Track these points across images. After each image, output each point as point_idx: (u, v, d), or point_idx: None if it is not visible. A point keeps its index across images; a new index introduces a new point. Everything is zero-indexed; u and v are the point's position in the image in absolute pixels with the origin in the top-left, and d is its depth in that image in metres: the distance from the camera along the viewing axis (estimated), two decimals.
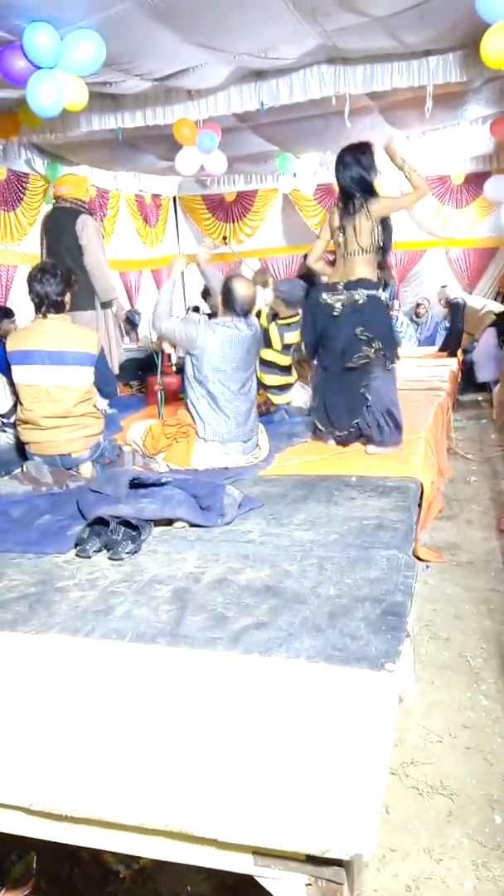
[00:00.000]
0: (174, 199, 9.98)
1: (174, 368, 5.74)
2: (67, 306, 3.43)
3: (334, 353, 3.71)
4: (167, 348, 5.42)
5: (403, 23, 3.64)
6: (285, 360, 4.65)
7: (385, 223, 3.71)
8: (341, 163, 3.69)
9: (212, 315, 3.89)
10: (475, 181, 8.35)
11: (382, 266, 3.81)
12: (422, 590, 3.30)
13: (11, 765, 1.40)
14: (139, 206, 9.16)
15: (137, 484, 2.78)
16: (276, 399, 4.70)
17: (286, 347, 4.62)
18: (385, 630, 1.79)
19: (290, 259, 9.43)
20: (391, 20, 3.59)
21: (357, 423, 3.72)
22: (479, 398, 7.80)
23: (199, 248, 3.79)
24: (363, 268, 3.67)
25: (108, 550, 2.43)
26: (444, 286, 8.56)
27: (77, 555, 2.45)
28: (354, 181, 3.63)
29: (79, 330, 3.50)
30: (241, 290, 3.52)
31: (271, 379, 4.61)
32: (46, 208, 6.29)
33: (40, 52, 3.30)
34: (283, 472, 3.46)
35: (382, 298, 3.71)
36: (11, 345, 3.33)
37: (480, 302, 8.47)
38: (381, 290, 3.68)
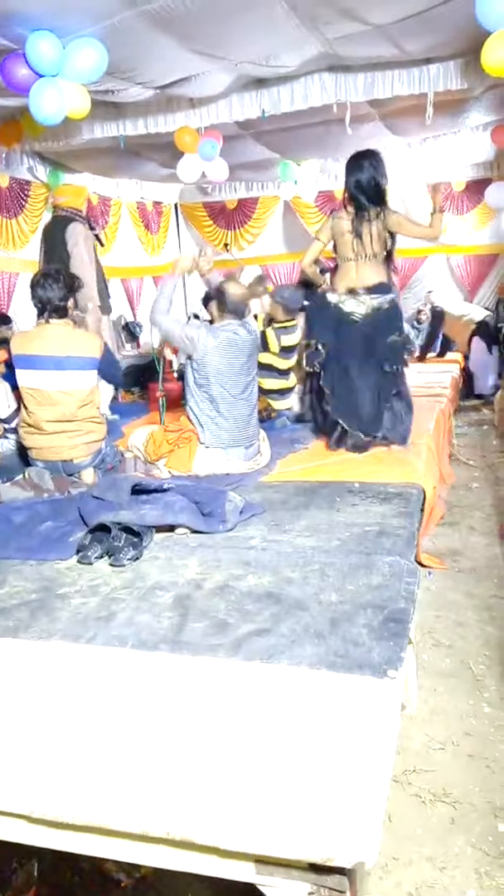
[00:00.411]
0: (176, 206, 10.00)
1: (176, 375, 5.74)
2: (70, 311, 3.45)
3: (357, 359, 3.75)
4: (169, 354, 5.43)
5: (404, 31, 3.66)
6: (283, 364, 4.65)
7: (392, 232, 3.82)
8: (357, 167, 3.72)
9: (212, 322, 3.91)
10: (476, 188, 8.36)
11: (390, 272, 3.91)
12: (424, 596, 3.29)
13: (13, 772, 1.39)
14: (141, 213, 9.17)
15: (139, 490, 2.78)
16: (277, 404, 4.70)
17: (284, 350, 4.62)
18: (387, 637, 1.79)
19: (291, 266, 9.43)
20: (392, 28, 3.61)
21: (383, 425, 3.82)
22: (481, 403, 7.83)
23: (202, 259, 3.80)
24: (378, 272, 3.73)
25: (110, 557, 2.43)
26: (429, 291, 8.61)
27: (79, 561, 2.45)
28: (370, 186, 3.68)
29: (81, 334, 3.53)
30: (232, 290, 3.59)
31: (270, 383, 4.61)
32: (48, 216, 6.31)
33: (43, 61, 3.32)
34: (284, 478, 3.47)
35: (399, 303, 3.83)
36: (16, 347, 3.35)
37: (461, 309, 8.51)
38: (396, 294, 3.81)
